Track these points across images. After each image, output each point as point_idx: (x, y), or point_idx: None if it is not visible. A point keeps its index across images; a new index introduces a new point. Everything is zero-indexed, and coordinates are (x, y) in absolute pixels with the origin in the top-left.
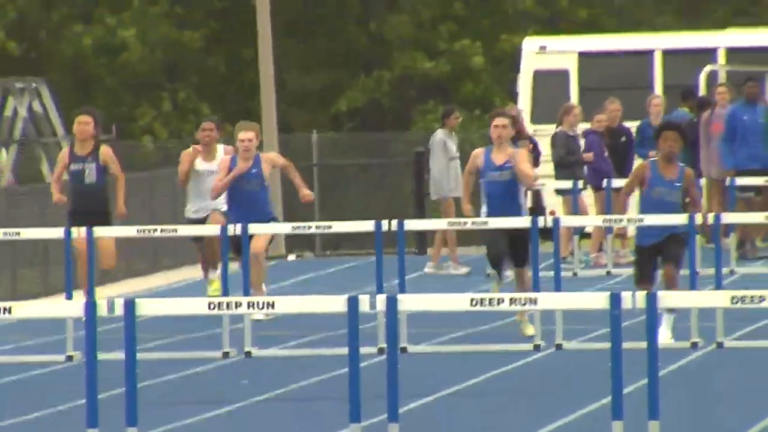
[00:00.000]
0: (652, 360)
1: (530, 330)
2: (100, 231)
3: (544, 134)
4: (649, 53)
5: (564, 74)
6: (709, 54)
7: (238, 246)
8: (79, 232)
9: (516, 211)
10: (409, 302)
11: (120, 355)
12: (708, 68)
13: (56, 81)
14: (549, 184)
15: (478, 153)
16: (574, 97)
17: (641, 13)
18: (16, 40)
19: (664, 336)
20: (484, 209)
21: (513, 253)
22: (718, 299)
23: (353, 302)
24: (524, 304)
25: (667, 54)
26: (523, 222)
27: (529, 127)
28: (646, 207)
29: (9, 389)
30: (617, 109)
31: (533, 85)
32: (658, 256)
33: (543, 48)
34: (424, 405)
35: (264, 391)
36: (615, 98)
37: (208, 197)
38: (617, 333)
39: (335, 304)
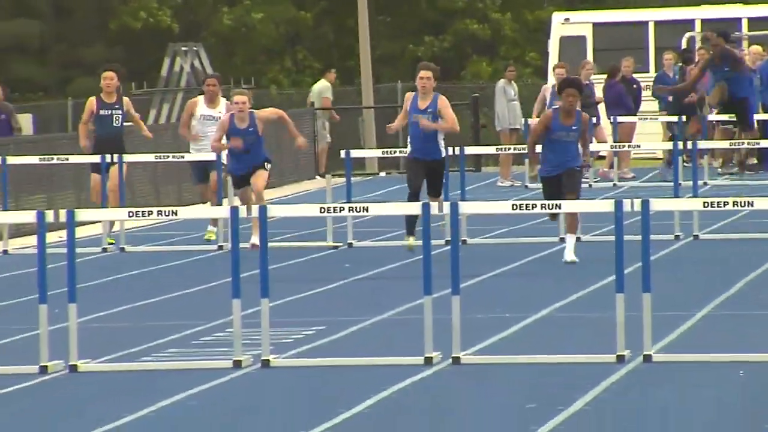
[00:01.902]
0: (645, 249)
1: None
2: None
3: None
4: (645, 23)
5: (582, 39)
6: (688, 24)
7: (239, 183)
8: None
9: (436, 150)
10: (467, 207)
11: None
12: (688, 34)
13: (209, 46)
14: None
15: (408, 96)
16: (590, 56)
17: None
18: (177, 20)
19: (569, 255)
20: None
21: (428, 184)
22: (694, 204)
23: (426, 207)
24: (551, 208)
25: (658, 24)
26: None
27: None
28: (549, 148)
29: (175, 270)
30: (630, 65)
31: (559, 47)
32: (560, 186)
33: (567, 20)
34: (478, 282)
35: (360, 272)
36: (629, 57)
37: (208, 139)
38: (620, 229)
39: (412, 208)
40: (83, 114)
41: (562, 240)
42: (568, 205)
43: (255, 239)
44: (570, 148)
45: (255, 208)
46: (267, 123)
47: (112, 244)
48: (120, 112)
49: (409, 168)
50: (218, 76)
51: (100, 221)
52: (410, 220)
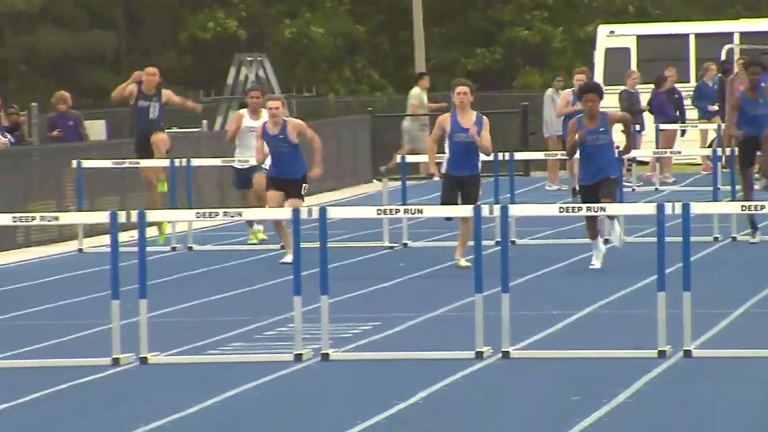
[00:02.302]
0: (685, 250)
1: (463, 263)
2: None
3: (613, 92)
4: (686, 36)
5: (627, 51)
6: (727, 37)
7: (273, 186)
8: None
9: (474, 166)
10: (517, 209)
11: (315, 244)
12: (727, 47)
13: (273, 56)
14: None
15: (444, 119)
16: (633, 66)
17: (680, 8)
18: (243, 29)
19: (596, 263)
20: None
21: (463, 198)
22: (732, 207)
23: (477, 211)
24: (596, 211)
25: (699, 36)
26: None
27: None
28: (584, 156)
29: (239, 268)
30: (673, 75)
31: (605, 59)
32: (597, 195)
33: (612, 32)
34: (526, 281)
35: (415, 271)
36: (672, 67)
37: (251, 149)
38: (662, 230)
39: (464, 210)
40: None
41: (606, 241)
42: (612, 208)
43: (288, 257)
44: (603, 153)
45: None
46: (300, 135)
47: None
48: (157, 104)
49: (446, 182)
50: (261, 89)
51: (169, 221)
52: (446, 201)
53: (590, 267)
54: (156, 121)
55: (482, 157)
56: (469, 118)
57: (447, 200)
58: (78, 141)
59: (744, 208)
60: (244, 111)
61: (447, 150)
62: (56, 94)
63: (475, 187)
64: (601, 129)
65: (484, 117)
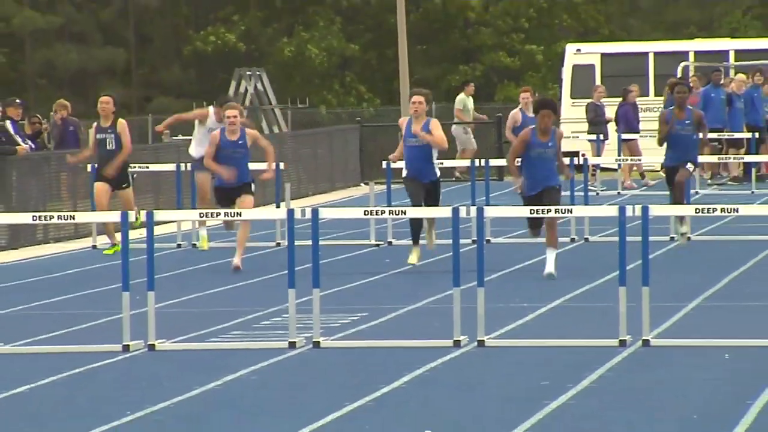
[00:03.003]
0: (645, 248)
1: (413, 259)
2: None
3: (579, 105)
4: (646, 54)
5: (592, 67)
6: (683, 55)
7: (223, 199)
8: None
9: (431, 172)
10: (491, 211)
11: (308, 242)
12: (683, 64)
13: (270, 70)
14: (581, 137)
15: (402, 123)
16: (598, 82)
17: (641, 28)
18: (243, 43)
19: (550, 268)
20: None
21: (425, 203)
22: (688, 210)
23: (456, 211)
24: (563, 213)
25: (657, 54)
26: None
27: (569, 100)
28: (528, 165)
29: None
30: (636, 91)
31: (572, 74)
32: (540, 203)
33: (578, 50)
34: (500, 276)
35: (399, 267)
36: (635, 83)
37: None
38: (623, 230)
39: (443, 211)
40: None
41: (573, 240)
42: (579, 210)
43: (237, 260)
44: (547, 165)
45: (241, 229)
46: (255, 142)
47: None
48: (113, 135)
49: (408, 186)
50: (240, 109)
51: (175, 221)
52: (415, 231)
53: (544, 275)
54: (115, 150)
55: (460, 163)
56: (420, 124)
57: (416, 201)
58: (76, 146)
59: (698, 210)
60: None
61: (404, 156)
62: (58, 102)
63: (435, 192)
64: (550, 144)
65: (433, 119)
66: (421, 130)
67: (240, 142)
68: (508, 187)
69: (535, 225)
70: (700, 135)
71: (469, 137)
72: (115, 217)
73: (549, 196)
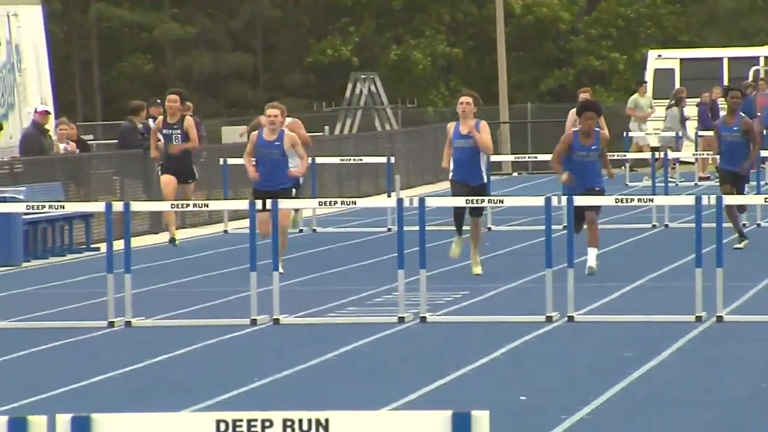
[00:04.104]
0: (719, 234)
1: (477, 269)
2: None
3: (660, 104)
4: (720, 59)
5: (672, 71)
6: (754, 60)
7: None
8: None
9: (478, 175)
10: (580, 200)
11: (415, 227)
12: (754, 68)
13: (382, 74)
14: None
15: (450, 127)
16: (677, 84)
17: (718, 37)
18: (356, 54)
19: (592, 261)
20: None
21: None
22: (757, 199)
23: (548, 200)
24: (646, 202)
25: (731, 59)
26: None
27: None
28: (571, 167)
29: (354, 247)
30: (718, 92)
31: (654, 77)
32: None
33: (660, 56)
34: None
35: (498, 250)
36: (717, 85)
37: None
38: (699, 218)
39: (536, 201)
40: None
41: (654, 227)
42: (659, 199)
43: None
44: (590, 168)
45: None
46: (293, 144)
47: (174, 243)
48: (179, 131)
49: (453, 189)
50: (281, 107)
51: (297, 208)
52: (458, 222)
53: (587, 270)
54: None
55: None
56: (469, 125)
57: (457, 210)
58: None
59: (767, 199)
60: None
61: (451, 158)
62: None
63: (480, 196)
64: (593, 147)
65: (482, 121)
66: (469, 135)
67: (276, 143)
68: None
69: (577, 223)
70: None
71: (644, 134)
72: (243, 205)
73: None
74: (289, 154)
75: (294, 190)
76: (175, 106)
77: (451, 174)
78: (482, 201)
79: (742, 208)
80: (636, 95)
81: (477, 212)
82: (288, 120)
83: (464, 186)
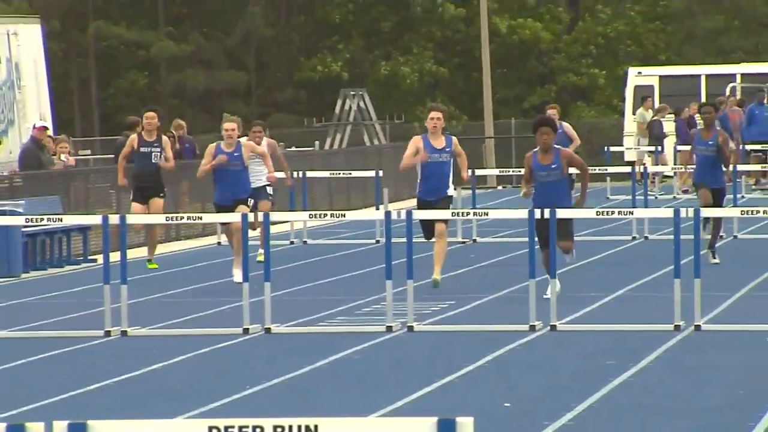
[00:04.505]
0: (696, 245)
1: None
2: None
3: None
4: (698, 76)
5: (651, 87)
6: (731, 77)
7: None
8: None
9: (446, 188)
10: (562, 213)
11: (402, 239)
12: (731, 85)
13: (371, 91)
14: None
15: (417, 139)
16: (656, 101)
17: (695, 55)
18: (346, 71)
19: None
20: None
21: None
22: (734, 212)
23: (531, 214)
24: (626, 214)
25: (709, 77)
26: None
27: (631, 117)
28: (537, 189)
29: (343, 258)
30: (695, 109)
31: (633, 93)
32: (546, 229)
33: (639, 73)
34: (571, 269)
35: (482, 261)
36: (694, 102)
37: (253, 174)
38: (678, 230)
39: (520, 213)
40: (123, 149)
41: (634, 238)
42: (639, 212)
43: (237, 275)
44: (555, 188)
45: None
46: (252, 152)
47: (153, 268)
48: (158, 149)
49: (423, 205)
50: (263, 125)
51: (288, 221)
52: (427, 235)
53: (544, 297)
54: (157, 164)
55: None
56: (440, 141)
57: (426, 227)
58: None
59: (744, 212)
60: (241, 140)
61: (419, 173)
62: (175, 122)
63: (445, 207)
64: (554, 165)
65: (453, 138)
66: (445, 149)
67: (236, 154)
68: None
69: (544, 245)
70: (728, 155)
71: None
72: (236, 218)
73: (560, 224)
74: (254, 164)
75: (265, 199)
76: (153, 123)
77: (419, 188)
78: (467, 213)
79: (717, 225)
80: (641, 109)
81: (444, 221)
82: (265, 140)
83: (430, 202)
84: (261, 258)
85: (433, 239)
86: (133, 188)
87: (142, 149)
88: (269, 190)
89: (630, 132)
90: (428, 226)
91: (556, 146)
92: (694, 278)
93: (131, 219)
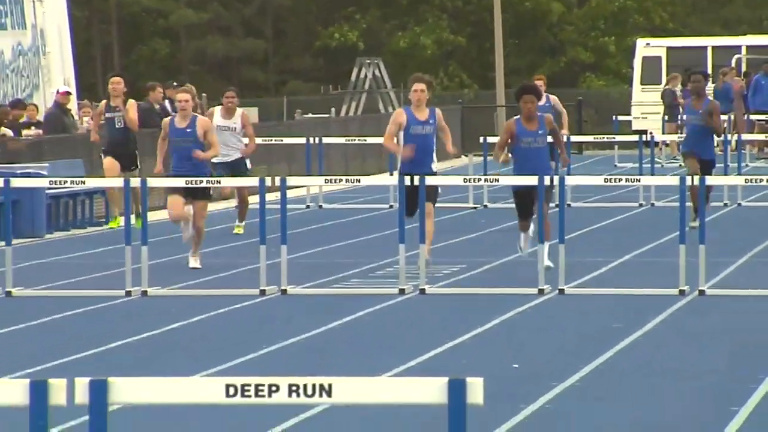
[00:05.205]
0: (701, 212)
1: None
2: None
3: (647, 90)
4: (705, 48)
5: (659, 59)
6: (736, 49)
7: (179, 189)
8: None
9: (429, 163)
10: (572, 180)
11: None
12: (736, 57)
13: (386, 60)
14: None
15: (400, 112)
16: (664, 71)
17: (700, 25)
18: (362, 40)
19: (546, 261)
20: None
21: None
22: (738, 180)
23: (541, 180)
24: (633, 182)
25: (715, 48)
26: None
27: (639, 87)
28: (518, 156)
29: (358, 222)
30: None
31: (642, 64)
32: (532, 197)
33: (648, 44)
34: (579, 235)
35: (493, 226)
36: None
37: (224, 147)
38: (683, 197)
39: (532, 180)
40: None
41: (641, 205)
42: (646, 179)
43: (194, 261)
44: (538, 155)
45: (191, 227)
46: (205, 131)
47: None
48: (121, 114)
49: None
50: (236, 90)
51: (304, 185)
52: (411, 211)
53: (544, 267)
54: (125, 128)
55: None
56: (424, 113)
57: (408, 204)
58: None
59: (748, 180)
60: (216, 109)
61: (401, 145)
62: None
63: (433, 190)
64: (540, 131)
65: (437, 110)
66: (429, 121)
67: (188, 130)
68: (588, 159)
69: (524, 216)
70: (716, 123)
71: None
72: (254, 182)
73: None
74: (240, 133)
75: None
76: (119, 88)
77: (400, 164)
78: (479, 180)
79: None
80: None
81: (430, 198)
82: (240, 111)
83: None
84: (238, 230)
85: (411, 217)
86: (105, 148)
87: (107, 114)
88: (248, 163)
89: (638, 102)
90: (411, 203)
91: (539, 113)
92: (699, 244)
93: (152, 182)
